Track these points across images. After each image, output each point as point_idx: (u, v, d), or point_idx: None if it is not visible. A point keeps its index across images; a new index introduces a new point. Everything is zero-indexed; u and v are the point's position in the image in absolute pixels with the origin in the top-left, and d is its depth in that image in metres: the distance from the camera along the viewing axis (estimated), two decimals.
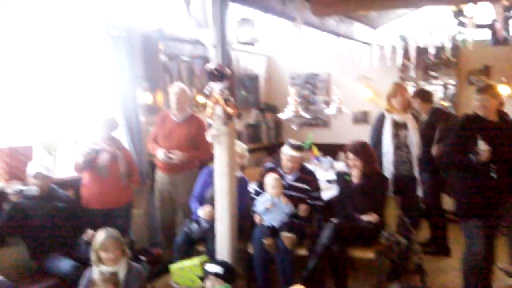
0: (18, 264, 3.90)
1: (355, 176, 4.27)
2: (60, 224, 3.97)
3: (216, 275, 3.45)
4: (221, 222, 3.86)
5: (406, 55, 5.90)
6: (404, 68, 6.61)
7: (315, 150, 6.59)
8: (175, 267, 3.82)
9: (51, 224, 3.90)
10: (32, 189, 3.86)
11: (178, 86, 4.84)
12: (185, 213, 4.67)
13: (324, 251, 3.93)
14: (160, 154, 4.66)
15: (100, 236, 3.34)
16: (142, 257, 4.39)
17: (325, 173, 5.72)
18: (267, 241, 3.96)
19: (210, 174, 4.37)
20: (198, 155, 4.74)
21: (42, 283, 3.62)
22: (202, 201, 4.34)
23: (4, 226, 3.76)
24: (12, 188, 3.84)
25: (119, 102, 4.78)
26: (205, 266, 3.53)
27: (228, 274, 3.51)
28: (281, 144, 4.79)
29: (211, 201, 4.15)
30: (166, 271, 4.41)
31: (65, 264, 3.69)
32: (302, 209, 4.17)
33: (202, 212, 4.20)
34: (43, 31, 4.29)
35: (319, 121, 7.38)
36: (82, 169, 4.29)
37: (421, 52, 5.88)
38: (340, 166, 5.94)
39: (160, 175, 4.89)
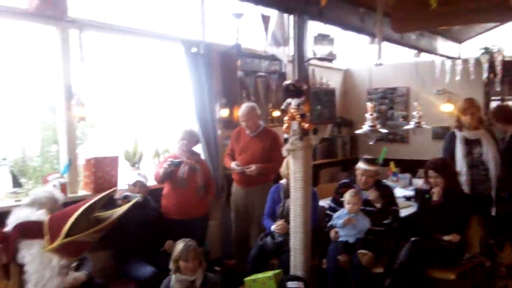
0: (103, 266, 4.12)
1: (436, 194, 4.13)
2: (147, 232, 4.15)
3: None
4: (295, 236, 3.87)
5: (491, 69, 5.64)
6: (489, 82, 6.30)
7: (392, 167, 6.43)
8: (249, 279, 3.86)
9: (140, 231, 4.09)
10: (136, 196, 4.09)
11: (245, 107, 4.90)
12: (259, 226, 4.72)
13: (402, 269, 3.81)
14: (234, 166, 4.77)
15: (180, 246, 3.46)
16: (217, 268, 4.49)
17: (403, 190, 5.56)
18: (342, 258, 3.91)
19: (278, 191, 4.42)
20: (272, 168, 4.78)
21: (123, 287, 3.80)
22: (274, 218, 4.38)
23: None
24: (120, 194, 4.09)
25: (198, 117, 4.94)
26: (286, 283, 3.54)
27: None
28: (356, 159, 4.73)
29: (283, 216, 4.20)
30: (239, 283, 4.48)
31: (146, 270, 3.85)
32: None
33: (276, 226, 4.23)
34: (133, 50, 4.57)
35: (397, 137, 7.20)
36: (163, 180, 4.48)
37: (508, 65, 5.59)
38: (419, 183, 5.75)
39: (235, 189, 4.99)
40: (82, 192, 4.35)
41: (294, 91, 3.76)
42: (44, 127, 6.77)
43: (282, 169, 4.46)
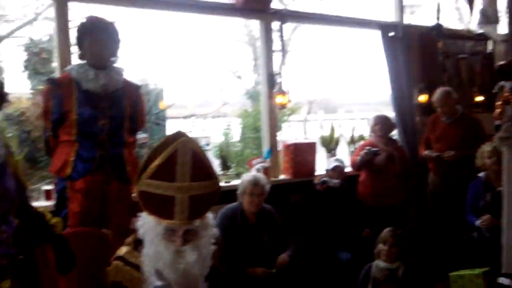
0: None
1: None
2: (346, 218, 4.19)
3: None
4: (509, 233, 3.51)
5: None
6: None
7: None
8: (454, 274, 3.64)
9: (338, 216, 4.15)
10: (334, 181, 4.20)
11: (440, 91, 4.61)
12: (461, 219, 4.40)
13: None
14: (430, 154, 4.56)
15: (385, 231, 3.43)
16: (415, 264, 4.33)
17: None
18: None
19: (478, 185, 4.10)
20: (473, 155, 4.37)
21: (323, 271, 3.93)
22: (476, 213, 4.05)
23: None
24: (319, 179, 4.24)
25: (394, 103, 4.81)
26: (498, 279, 3.27)
27: None
28: None
29: (487, 211, 3.91)
30: (440, 277, 4.26)
31: (344, 256, 3.92)
32: None
33: (482, 221, 3.92)
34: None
35: None
36: (360, 168, 4.47)
37: None
38: None
39: (432, 177, 4.76)
40: (282, 176, 4.57)
41: (508, 72, 3.43)
42: (245, 114, 7.32)
43: (477, 160, 4.10)
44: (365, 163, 4.38)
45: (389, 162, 4.36)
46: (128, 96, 2.91)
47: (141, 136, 4.23)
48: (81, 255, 2.24)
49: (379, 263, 3.42)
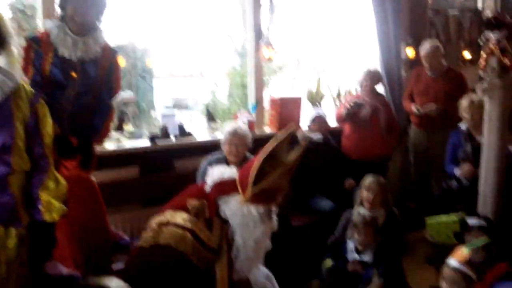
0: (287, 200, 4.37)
1: None
2: (329, 170, 4.25)
3: (480, 228, 3.24)
4: (486, 181, 3.59)
5: None
6: None
7: None
8: (431, 221, 3.74)
9: (321, 169, 4.20)
10: (318, 136, 4.23)
11: (429, 45, 4.57)
12: (441, 170, 4.47)
13: None
14: (415, 110, 4.59)
15: (368, 177, 3.55)
16: (396, 211, 4.42)
17: None
18: None
19: (458, 136, 4.16)
20: (456, 110, 4.40)
21: (306, 219, 4.02)
22: (456, 163, 4.14)
23: None
24: (302, 135, 4.27)
25: (382, 56, 4.80)
26: (466, 219, 3.35)
27: (491, 228, 3.28)
28: None
29: (466, 161, 4.00)
30: (419, 227, 4.37)
31: (326, 204, 4.00)
32: None
33: (461, 170, 4.00)
34: None
35: None
36: (345, 121, 4.49)
37: None
38: None
39: (415, 131, 4.80)
40: (267, 129, 4.60)
41: (495, 24, 3.43)
42: (233, 73, 7.29)
43: (459, 112, 4.14)
44: (350, 116, 4.40)
45: (374, 115, 4.38)
46: (103, 62, 2.87)
47: (127, 95, 4.23)
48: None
49: (361, 210, 3.51)
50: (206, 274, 2.07)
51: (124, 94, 3.96)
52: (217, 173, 2.29)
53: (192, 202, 2.15)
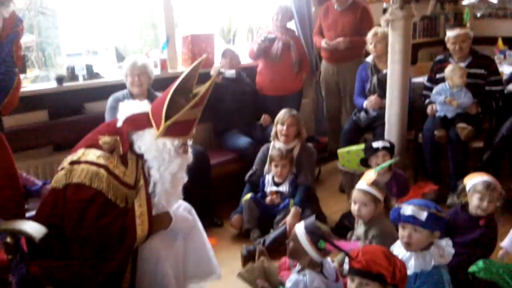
0: (204, 137, 4.40)
1: None
2: (244, 106, 4.28)
3: (385, 148, 3.45)
4: (391, 109, 3.81)
5: None
6: None
7: (500, 44, 5.94)
8: (342, 151, 3.93)
9: (236, 105, 4.22)
10: (231, 72, 4.21)
11: None
12: (351, 103, 4.67)
13: (503, 143, 3.66)
14: (324, 45, 4.66)
15: (282, 112, 3.63)
16: (309, 144, 4.59)
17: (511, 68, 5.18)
18: (439, 132, 3.82)
19: (365, 69, 4.32)
20: (361, 42, 4.48)
21: (223, 157, 4.04)
22: (364, 96, 4.31)
23: None
24: (215, 70, 4.22)
25: None
26: (372, 143, 3.55)
27: (394, 148, 3.53)
28: None
29: (373, 93, 4.15)
30: (332, 158, 4.59)
31: (243, 141, 4.05)
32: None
33: (368, 102, 4.18)
34: None
35: (508, 12, 6.54)
36: (257, 57, 4.51)
37: None
38: None
39: (325, 65, 4.91)
40: (181, 68, 4.52)
41: None
42: (142, 11, 6.96)
43: (367, 44, 4.28)
44: (262, 51, 4.42)
45: (285, 50, 4.42)
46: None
47: (28, 39, 3.95)
48: None
49: (276, 143, 3.61)
50: (125, 210, 2.05)
51: (25, 38, 3.68)
52: (128, 108, 2.23)
53: (104, 138, 2.10)
